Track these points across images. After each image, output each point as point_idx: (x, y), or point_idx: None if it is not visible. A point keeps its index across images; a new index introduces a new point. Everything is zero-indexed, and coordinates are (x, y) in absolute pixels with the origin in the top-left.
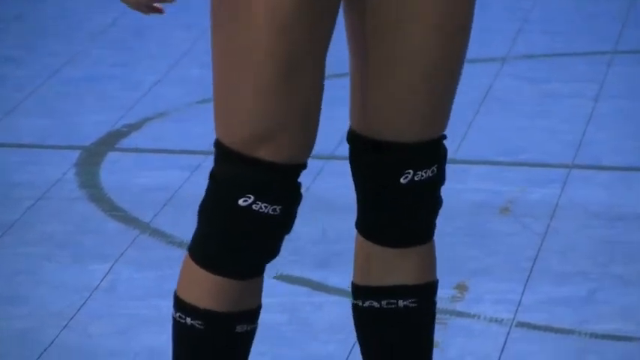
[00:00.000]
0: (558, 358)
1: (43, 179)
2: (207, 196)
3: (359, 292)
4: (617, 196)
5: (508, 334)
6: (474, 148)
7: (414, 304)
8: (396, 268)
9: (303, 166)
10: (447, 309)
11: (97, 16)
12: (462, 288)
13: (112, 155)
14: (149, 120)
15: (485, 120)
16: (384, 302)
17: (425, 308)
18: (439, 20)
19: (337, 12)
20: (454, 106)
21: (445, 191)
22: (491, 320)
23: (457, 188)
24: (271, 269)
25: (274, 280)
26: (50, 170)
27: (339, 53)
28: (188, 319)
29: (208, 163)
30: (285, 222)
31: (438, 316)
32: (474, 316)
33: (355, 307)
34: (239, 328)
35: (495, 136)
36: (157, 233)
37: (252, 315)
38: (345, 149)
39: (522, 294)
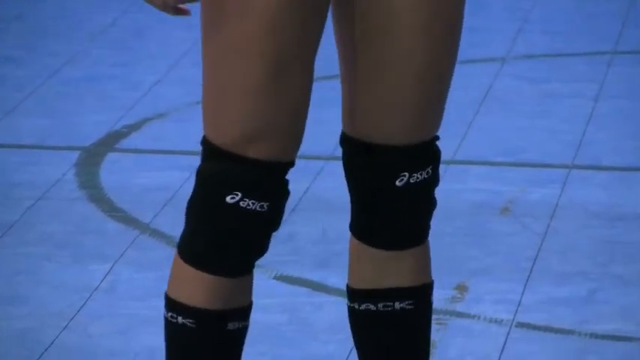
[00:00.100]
0: (558, 358)
1: (43, 179)
2: (195, 193)
3: (355, 294)
4: (617, 196)
5: (508, 334)
6: (474, 148)
7: (410, 306)
8: (391, 270)
9: (291, 163)
10: (446, 309)
11: (97, 16)
12: (461, 288)
13: (111, 155)
14: (149, 120)
15: (485, 120)
16: (380, 305)
17: (421, 310)
18: (427, 23)
19: (326, 14)
20: (454, 107)
21: (445, 191)
22: (491, 320)
23: (457, 188)
24: (271, 270)
25: (274, 280)
26: (50, 170)
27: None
28: (179, 318)
29: None
30: (272, 218)
31: (438, 316)
32: (473, 316)
33: (351, 310)
34: (231, 326)
35: (495, 136)
36: (157, 234)
37: (243, 312)
38: None
39: (522, 294)
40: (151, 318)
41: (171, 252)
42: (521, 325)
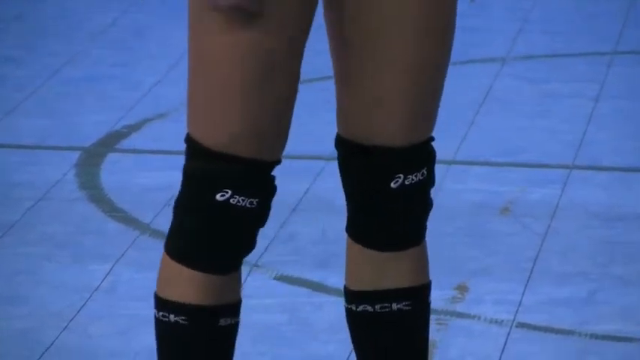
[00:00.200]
0: (559, 358)
1: (43, 180)
2: (183, 192)
3: (352, 296)
4: (617, 196)
5: (508, 334)
6: (474, 149)
7: (407, 307)
8: (388, 271)
9: (278, 161)
10: (447, 310)
11: (97, 16)
12: (462, 289)
13: (112, 156)
14: (149, 120)
15: (485, 120)
16: (377, 306)
17: (419, 310)
18: (419, 24)
19: (311, 18)
20: (454, 107)
21: (445, 192)
22: (491, 321)
23: (457, 189)
24: (271, 270)
25: (274, 280)
26: (50, 171)
27: None
28: (172, 316)
29: None
30: (262, 214)
31: (438, 316)
32: (474, 316)
33: (349, 311)
34: (222, 322)
35: (495, 137)
36: (157, 234)
37: (234, 308)
38: None
39: (523, 294)
40: (151, 318)
41: None
42: (521, 325)
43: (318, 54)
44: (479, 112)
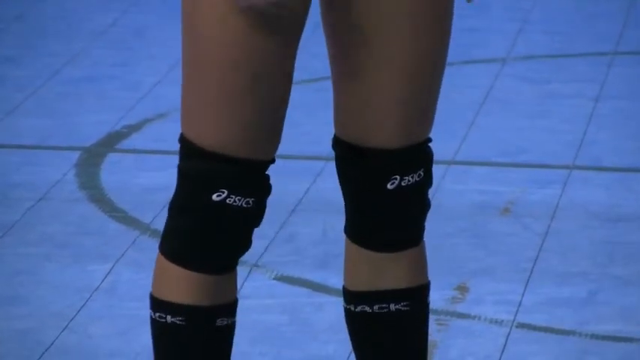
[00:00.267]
0: (559, 359)
1: (44, 180)
2: (179, 192)
3: (350, 296)
4: (617, 196)
5: (509, 335)
6: (475, 149)
7: (406, 308)
8: (386, 272)
9: (272, 161)
10: (447, 310)
11: (97, 16)
12: (462, 289)
13: (112, 156)
14: (149, 121)
15: (485, 121)
16: (375, 307)
17: (418, 311)
18: (416, 25)
19: (303, 22)
20: (454, 107)
21: (445, 192)
22: (491, 321)
23: (458, 189)
24: (272, 270)
25: (275, 280)
26: (50, 171)
27: None
28: (168, 317)
29: None
30: (257, 214)
31: (439, 317)
32: (474, 317)
33: (348, 312)
34: (219, 322)
35: (496, 137)
36: (158, 234)
37: (230, 308)
38: None
39: (523, 295)
40: None
41: None
42: (521, 325)
43: (318, 55)
44: (479, 112)
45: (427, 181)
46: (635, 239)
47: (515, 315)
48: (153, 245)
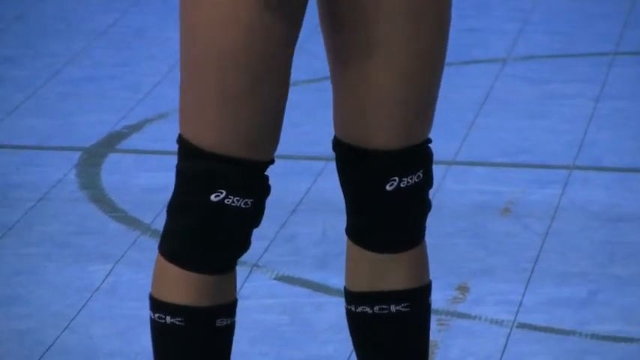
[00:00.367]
0: (559, 359)
1: (44, 180)
2: (177, 192)
3: (351, 297)
4: (617, 196)
5: (509, 335)
6: (475, 149)
7: (406, 309)
8: (386, 273)
9: (271, 161)
10: (448, 310)
11: (97, 16)
12: (463, 289)
13: (112, 156)
14: (150, 121)
15: (486, 121)
16: (376, 307)
17: (418, 312)
18: (414, 28)
19: (301, 22)
20: (455, 107)
21: (446, 192)
22: (492, 321)
23: (458, 189)
24: (272, 270)
25: (275, 281)
26: (51, 171)
27: None
28: (168, 318)
29: None
30: (256, 215)
31: (439, 317)
32: (475, 317)
33: (348, 312)
34: (219, 322)
35: (496, 137)
36: (158, 234)
37: (230, 308)
38: None
39: (523, 295)
40: None
41: None
42: (522, 325)
43: (318, 55)
44: (479, 112)
45: (427, 182)
46: (635, 239)
47: (516, 315)
48: (153, 245)
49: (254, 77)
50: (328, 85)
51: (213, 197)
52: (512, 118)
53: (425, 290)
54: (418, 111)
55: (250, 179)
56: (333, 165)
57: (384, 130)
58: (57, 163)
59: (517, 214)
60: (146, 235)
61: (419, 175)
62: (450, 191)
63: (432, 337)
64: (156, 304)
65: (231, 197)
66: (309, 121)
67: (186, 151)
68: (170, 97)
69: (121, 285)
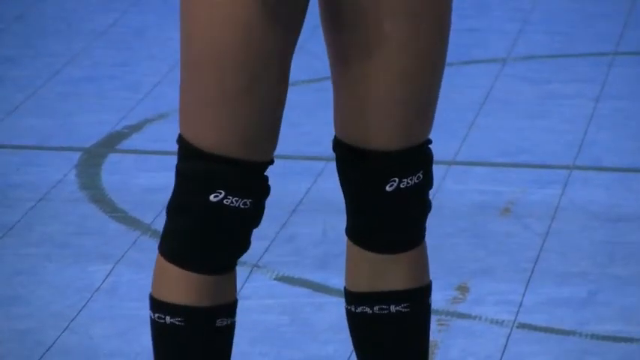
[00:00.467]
0: (559, 359)
1: (44, 180)
2: (177, 193)
3: (351, 297)
4: (617, 196)
5: (509, 335)
6: (475, 149)
7: (406, 309)
8: (386, 273)
9: (270, 162)
10: (448, 310)
11: (97, 16)
12: (463, 289)
13: (112, 156)
14: (150, 121)
15: (486, 121)
16: (375, 308)
17: (418, 312)
18: (415, 29)
19: (301, 22)
20: (455, 107)
21: (446, 192)
22: (492, 321)
23: (458, 189)
24: (272, 270)
25: (275, 281)
26: (51, 171)
27: None
28: (167, 318)
29: None
30: (256, 215)
31: (439, 317)
32: (475, 317)
33: (348, 312)
34: (219, 322)
35: (496, 137)
36: (158, 234)
37: (230, 308)
38: None
39: (523, 295)
40: None
41: None
42: (522, 325)
43: (318, 55)
44: (479, 112)
45: (427, 183)
46: (635, 239)
47: (516, 315)
48: (153, 246)
49: (252, 75)
50: (328, 85)
51: (212, 198)
52: (512, 118)
53: (425, 290)
54: (418, 111)
55: (249, 180)
56: (333, 165)
57: (384, 130)
58: (57, 164)
59: (517, 214)
60: (146, 236)
61: (419, 176)
62: (450, 191)
63: (432, 337)
64: (156, 304)
65: (230, 198)
66: (309, 121)
67: (186, 151)
68: (170, 97)
69: (121, 285)
